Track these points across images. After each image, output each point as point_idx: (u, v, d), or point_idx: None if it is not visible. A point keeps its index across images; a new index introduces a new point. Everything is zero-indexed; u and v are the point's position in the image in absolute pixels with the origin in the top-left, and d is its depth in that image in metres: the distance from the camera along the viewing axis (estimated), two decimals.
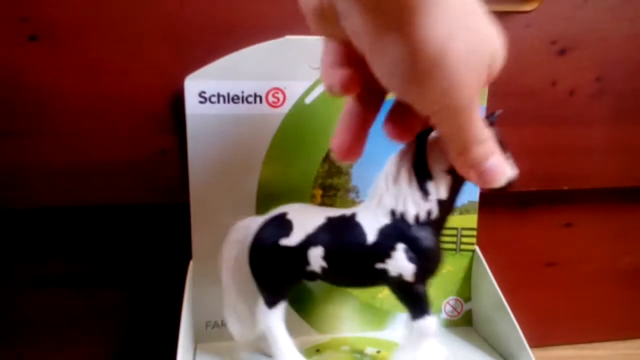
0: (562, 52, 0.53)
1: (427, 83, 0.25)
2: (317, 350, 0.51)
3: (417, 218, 0.39)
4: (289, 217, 0.43)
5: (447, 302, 0.56)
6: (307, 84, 0.49)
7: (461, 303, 0.56)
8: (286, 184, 0.50)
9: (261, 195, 0.50)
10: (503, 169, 0.31)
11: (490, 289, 0.51)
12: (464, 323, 0.56)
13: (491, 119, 0.37)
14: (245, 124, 0.48)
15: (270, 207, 0.48)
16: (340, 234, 0.41)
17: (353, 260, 0.40)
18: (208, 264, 0.50)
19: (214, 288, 0.50)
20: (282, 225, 0.42)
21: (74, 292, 0.52)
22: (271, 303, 0.43)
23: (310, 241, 0.41)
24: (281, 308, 0.44)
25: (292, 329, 0.51)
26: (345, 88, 0.30)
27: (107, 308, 0.53)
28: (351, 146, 0.33)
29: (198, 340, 0.51)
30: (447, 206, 0.39)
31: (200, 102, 0.47)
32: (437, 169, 0.38)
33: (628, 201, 0.61)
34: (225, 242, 0.45)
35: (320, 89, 0.49)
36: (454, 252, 0.55)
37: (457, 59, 0.25)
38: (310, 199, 0.51)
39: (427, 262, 0.39)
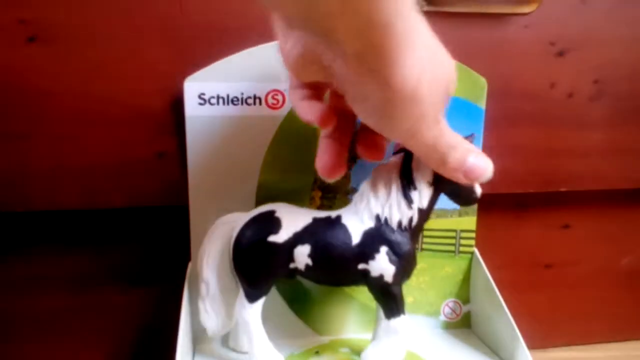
0: (560, 54, 0.53)
1: (402, 116, 0.29)
2: (317, 352, 0.50)
3: (400, 224, 0.43)
4: (278, 214, 0.44)
5: (446, 304, 0.56)
6: None
7: (460, 305, 0.56)
8: (285, 186, 0.50)
9: (260, 197, 0.50)
10: (485, 163, 0.35)
11: (488, 290, 0.51)
12: (462, 325, 0.56)
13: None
14: (245, 126, 0.48)
15: None
16: (326, 234, 0.43)
17: (338, 259, 0.43)
18: None
19: None
20: (271, 222, 0.44)
21: (72, 294, 0.52)
22: (252, 298, 0.44)
23: (297, 239, 0.43)
24: (260, 304, 0.45)
25: (290, 331, 0.52)
26: (324, 123, 0.34)
27: (106, 310, 0.53)
28: (333, 166, 0.37)
29: (197, 342, 0.51)
30: (425, 215, 0.44)
31: (200, 104, 0.47)
32: (422, 180, 0.42)
33: (626, 203, 0.61)
34: (208, 236, 0.46)
35: None
36: (453, 254, 0.55)
37: (427, 92, 0.29)
38: (309, 201, 0.51)
39: (406, 264, 0.43)
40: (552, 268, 0.62)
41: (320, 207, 0.51)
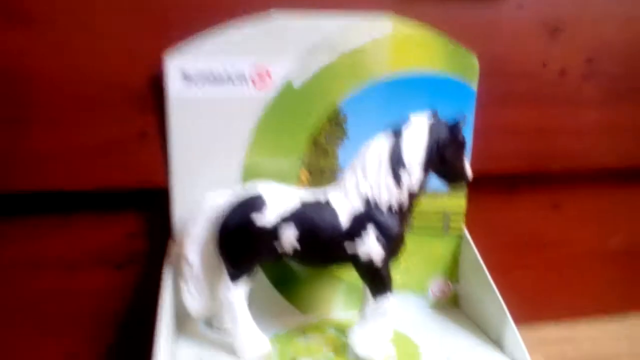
0: (553, 33, 0.52)
1: None
2: (303, 332, 0.50)
3: (389, 207, 0.42)
4: (263, 196, 0.43)
5: (435, 284, 0.56)
6: (294, 66, 0.47)
7: (449, 285, 0.56)
8: (272, 167, 0.49)
9: (246, 179, 0.49)
10: None
11: (477, 270, 0.51)
12: (451, 304, 0.56)
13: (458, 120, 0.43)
14: (230, 106, 0.47)
15: None
16: (313, 217, 0.42)
17: (326, 243, 0.42)
18: None
19: None
20: (256, 204, 0.43)
21: (53, 277, 0.51)
22: (236, 278, 0.44)
23: (283, 222, 0.42)
24: (245, 285, 0.44)
25: (277, 311, 0.52)
26: None
27: (88, 292, 0.52)
28: None
29: (180, 324, 0.50)
30: (415, 197, 0.43)
31: (183, 82, 0.45)
32: (412, 160, 0.41)
33: (616, 182, 0.61)
34: (193, 217, 0.45)
35: (307, 72, 0.47)
36: (442, 234, 0.54)
37: None
38: (297, 182, 0.50)
39: (394, 247, 0.43)
40: (541, 247, 0.62)
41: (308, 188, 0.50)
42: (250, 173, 0.49)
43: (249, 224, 0.42)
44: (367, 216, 0.42)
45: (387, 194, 0.42)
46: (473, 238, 0.53)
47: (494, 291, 0.48)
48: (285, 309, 0.53)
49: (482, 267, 0.50)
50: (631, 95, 0.55)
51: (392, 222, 0.42)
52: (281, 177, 0.49)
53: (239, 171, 0.49)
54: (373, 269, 0.43)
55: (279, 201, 0.43)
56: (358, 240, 0.42)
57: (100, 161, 0.47)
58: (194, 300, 0.46)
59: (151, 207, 0.51)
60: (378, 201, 0.42)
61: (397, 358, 0.46)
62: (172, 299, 0.47)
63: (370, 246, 0.42)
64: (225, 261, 0.44)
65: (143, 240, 0.52)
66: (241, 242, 0.43)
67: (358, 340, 0.45)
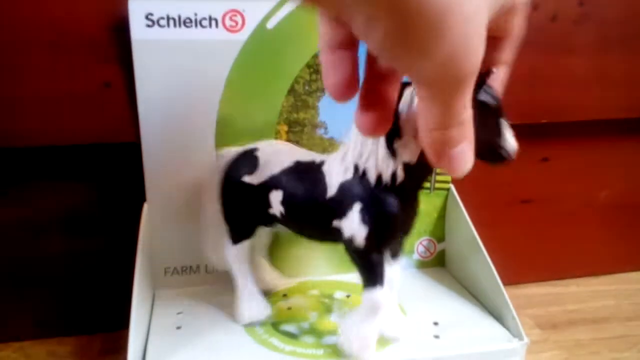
0: None
1: (426, 52, 0.20)
2: (284, 295, 0.48)
3: (379, 179, 0.35)
4: (258, 154, 0.41)
5: (420, 243, 0.54)
6: (268, 6, 0.44)
7: (434, 243, 0.54)
8: (248, 120, 0.46)
9: (220, 132, 0.46)
10: (469, 158, 0.25)
11: (464, 228, 0.49)
12: (436, 264, 0.55)
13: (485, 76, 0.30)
14: (200, 51, 0.43)
15: (232, 144, 0.44)
16: (301, 182, 0.38)
17: (309, 211, 0.38)
18: (164, 207, 0.47)
19: (171, 233, 0.47)
20: (249, 162, 0.41)
21: (19, 239, 0.48)
22: (234, 239, 0.43)
23: (272, 183, 0.39)
24: (244, 246, 0.43)
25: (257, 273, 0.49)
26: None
27: (57, 255, 0.49)
28: (348, 84, 0.27)
29: (156, 287, 0.48)
30: (416, 173, 0.34)
31: (148, 26, 0.42)
32: (409, 128, 0.33)
33: (607, 134, 0.59)
34: (210, 169, 0.44)
35: (283, 12, 0.44)
36: (428, 191, 0.52)
37: (464, 19, 0.19)
38: (274, 136, 0.47)
39: (383, 229, 0.36)
40: (529, 203, 0.60)
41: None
42: (224, 125, 0.46)
43: (240, 183, 0.40)
44: (354, 188, 0.36)
45: (377, 165, 0.35)
46: (460, 194, 0.51)
47: (481, 250, 0.46)
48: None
49: (469, 225, 0.48)
50: (624, 42, 0.53)
51: (381, 197, 0.35)
52: (258, 130, 0.46)
53: (213, 124, 0.46)
54: (357, 250, 0.36)
55: (273, 161, 0.40)
56: (342, 215, 0.36)
57: (61, 115, 0.44)
58: (212, 256, 0.45)
59: (120, 164, 0.48)
60: (367, 172, 0.35)
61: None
62: (147, 262, 0.44)
63: (353, 223, 0.36)
64: (225, 222, 0.42)
65: (114, 201, 0.49)
66: (234, 201, 0.41)
67: (344, 335, 0.39)
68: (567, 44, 0.52)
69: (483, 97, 0.29)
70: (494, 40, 0.24)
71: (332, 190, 0.37)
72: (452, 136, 0.24)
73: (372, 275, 0.37)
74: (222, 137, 0.46)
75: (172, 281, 0.48)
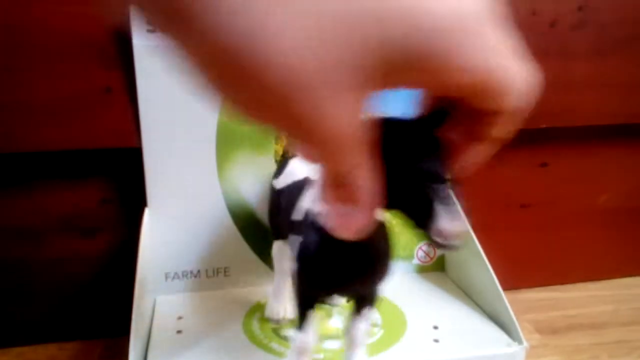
0: None
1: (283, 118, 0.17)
2: None
3: (306, 213, 0.31)
4: (289, 162, 0.41)
5: (420, 248, 0.54)
6: None
7: (434, 248, 0.54)
8: (248, 128, 0.46)
9: (222, 137, 0.46)
10: (352, 225, 0.21)
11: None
12: (436, 269, 0.55)
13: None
14: None
15: (233, 149, 0.44)
16: (292, 195, 0.35)
17: (283, 224, 0.37)
18: (165, 211, 0.47)
19: (171, 238, 0.47)
20: (281, 166, 0.42)
21: (20, 244, 0.48)
22: (275, 235, 0.43)
23: (291, 191, 0.36)
24: (279, 245, 0.43)
25: (255, 274, 0.50)
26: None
27: (58, 260, 0.49)
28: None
29: (157, 291, 0.48)
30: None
31: (149, 32, 0.42)
32: None
33: (605, 139, 0.59)
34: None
35: None
36: None
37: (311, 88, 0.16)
38: (276, 141, 0.48)
39: (307, 268, 0.29)
40: (528, 207, 0.60)
41: (288, 147, 0.48)
42: (225, 131, 0.46)
43: (272, 187, 0.42)
44: (308, 215, 0.31)
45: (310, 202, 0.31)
46: (458, 199, 0.51)
47: (480, 254, 0.46)
48: (264, 273, 0.50)
49: (468, 229, 0.48)
50: (623, 47, 0.53)
51: (307, 233, 0.29)
52: (259, 137, 0.46)
53: (214, 130, 0.46)
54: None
55: (298, 168, 0.38)
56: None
57: (63, 120, 0.44)
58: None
59: (122, 169, 0.48)
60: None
61: (382, 326, 0.44)
62: (148, 267, 0.44)
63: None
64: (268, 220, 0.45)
65: (115, 206, 0.49)
66: (270, 202, 0.43)
67: None
68: (566, 49, 0.52)
69: (424, 164, 0.21)
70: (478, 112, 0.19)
71: (298, 213, 0.33)
72: (335, 195, 0.21)
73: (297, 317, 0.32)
74: (224, 141, 0.46)
75: (172, 286, 0.48)
